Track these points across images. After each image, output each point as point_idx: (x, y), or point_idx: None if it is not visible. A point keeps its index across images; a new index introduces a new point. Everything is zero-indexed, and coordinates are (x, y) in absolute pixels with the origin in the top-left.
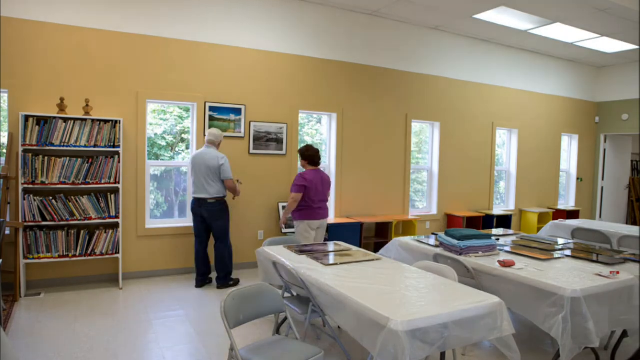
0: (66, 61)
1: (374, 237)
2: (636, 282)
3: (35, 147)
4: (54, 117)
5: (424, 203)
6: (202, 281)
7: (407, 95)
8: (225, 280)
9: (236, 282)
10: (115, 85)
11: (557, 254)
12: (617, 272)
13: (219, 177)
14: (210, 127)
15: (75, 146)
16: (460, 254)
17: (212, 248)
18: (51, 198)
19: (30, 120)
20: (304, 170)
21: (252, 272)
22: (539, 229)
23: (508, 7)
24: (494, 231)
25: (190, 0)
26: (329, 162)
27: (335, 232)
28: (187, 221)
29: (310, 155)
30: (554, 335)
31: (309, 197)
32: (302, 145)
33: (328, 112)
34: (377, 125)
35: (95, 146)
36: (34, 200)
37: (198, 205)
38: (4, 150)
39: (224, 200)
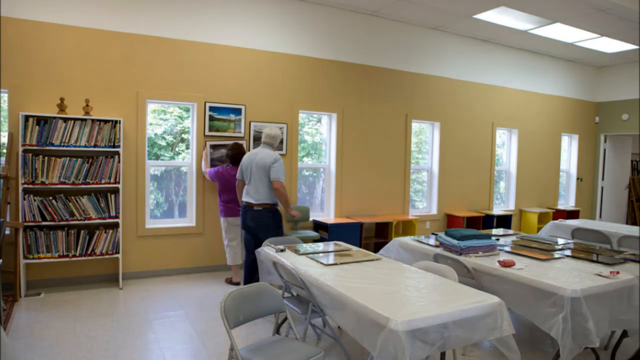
0: (66, 61)
1: (374, 237)
2: (636, 282)
3: (35, 147)
4: (54, 117)
5: (424, 203)
6: None
7: (407, 95)
8: None
9: None
10: (115, 85)
11: (557, 254)
12: (617, 272)
13: (268, 179)
14: (210, 127)
15: (75, 146)
16: (460, 254)
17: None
18: (51, 198)
19: (30, 120)
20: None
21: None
22: (539, 229)
23: (508, 7)
24: (494, 231)
25: (190, 0)
26: (329, 162)
27: (335, 232)
28: (187, 221)
29: (230, 154)
30: (554, 335)
31: (225, 193)
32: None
33: (328, 112)
34: (377, 125)
35: (95, 146)
36: (34, 200)
37: (244, 211)
38: (4, 150)
39: (274, 208)
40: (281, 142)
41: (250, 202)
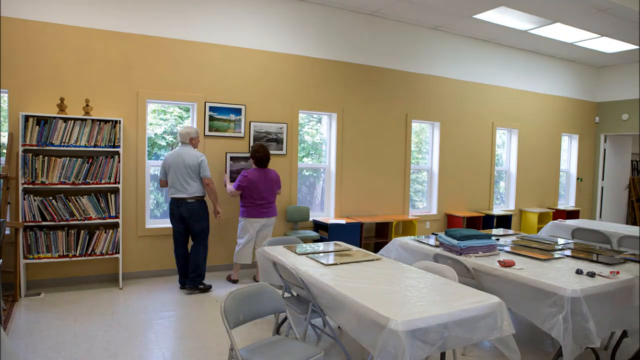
0: (66, 61)
1: (374, 237)
2: (636, 282)
3: (35, 147)
4: (54, 117)
5: (424, 203)
6: (184, 283)
7: (407, 95)
8: (195, 283)
9: (206, 289)
10: (115, 85)
11: (557, 254)
12: (617, 272)
13: (198, 175)
14: (210, 127)
15: (75, 146)
16: (460, 254)
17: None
18: (51, 198)
19: (30, 120)
20: (251, 168)
21: (252, 272)
22: (539, 229)
23: (508, 7)
24: (494, 231)
25: (190, 0)
26: (329, 162)
27: (335, 232)
28: None
29: (258, 157)
30: (554, 336)
31: (250, 196)
32: (255, 144)
33: (328, 112)
34: (377, 125)
35: (95, 146)
36: (34, 200)
37: (177, 205)
38: (4, 150)
39: (203, 199)
40: (280, 142)
41: (182, 197)
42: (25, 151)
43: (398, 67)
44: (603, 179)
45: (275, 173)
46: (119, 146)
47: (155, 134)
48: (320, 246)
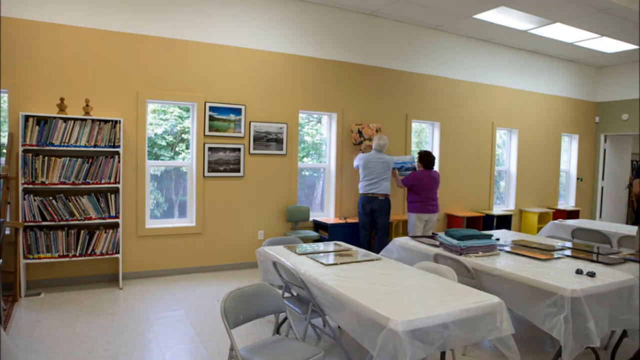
0: (66, 61)
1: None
2: (636, 282)
3: (35, 147)
4: (54, 117)
5: None
6: None
7: (407, 95)
8: None
9: None
10: (115, 85)
11: (557, 254)
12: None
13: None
14: (210, 127)
15: (75, 146)
16: (460, 254)
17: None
18: (51, 198)
19: (30, 120)
20: (418, 170)
21: (252, 272)
22: (539, 229)
23: (508, 7)
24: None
25: (190, 0)
26: (329, 162)
27: (335, 232)
28: (187, 221)
29: (427, 160)
30: (555, 336)
31: (418, 193)
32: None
33: (328, 112)
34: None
35: (95, 146)
36: (34, 200)
37: (369, 200)
38: (4, 150)
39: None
40: (280, 142)
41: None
42: (25, 151)
43: (398, 67)
44: (603, 179)
45: (437, 173)
46: (119, 146)
47: (155, 134)
48: (320, 246)
